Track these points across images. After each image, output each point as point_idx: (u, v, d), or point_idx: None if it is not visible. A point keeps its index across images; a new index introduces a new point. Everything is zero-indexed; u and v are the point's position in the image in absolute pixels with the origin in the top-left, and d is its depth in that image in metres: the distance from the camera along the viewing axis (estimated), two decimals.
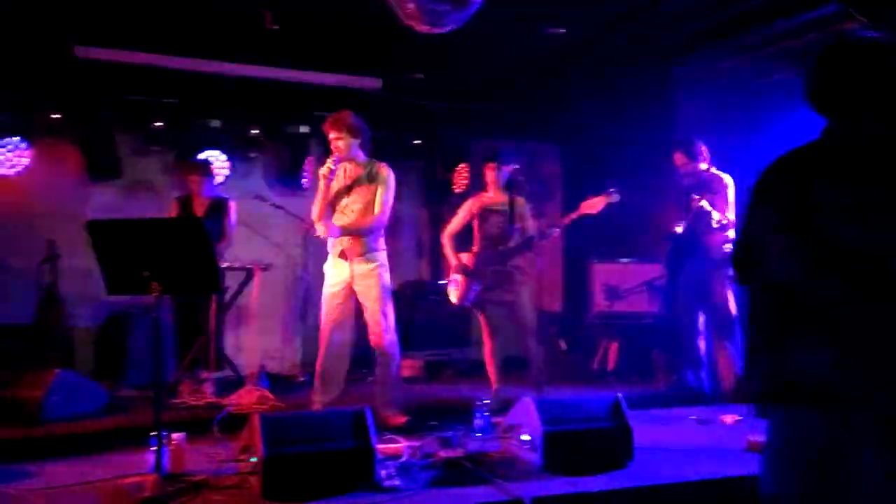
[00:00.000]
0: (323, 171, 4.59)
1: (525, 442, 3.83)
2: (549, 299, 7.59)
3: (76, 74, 5.86)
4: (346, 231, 4.60)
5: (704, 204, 5.25)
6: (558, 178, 7.96)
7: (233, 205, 5.94)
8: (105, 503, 3.19)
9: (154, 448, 3.29)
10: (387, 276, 4.72)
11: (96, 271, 3.47)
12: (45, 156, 6.10)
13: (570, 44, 5.91)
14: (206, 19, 5.30)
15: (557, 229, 5.28)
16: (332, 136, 4.59)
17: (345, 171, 4.69)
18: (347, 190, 4.67)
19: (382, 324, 4.66)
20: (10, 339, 5.94)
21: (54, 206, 6.20)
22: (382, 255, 4.71)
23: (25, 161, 5.94)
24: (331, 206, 4.68)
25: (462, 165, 7.25)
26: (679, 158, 5.54)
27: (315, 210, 4.65)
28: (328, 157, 4.67)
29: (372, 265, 4.62)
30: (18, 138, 5.90)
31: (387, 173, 4.68)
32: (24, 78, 5.81)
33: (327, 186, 4.60)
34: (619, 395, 3.91)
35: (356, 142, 4.62)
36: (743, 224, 1.91)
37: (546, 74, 6.56)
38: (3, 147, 5.83)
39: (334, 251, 4.68)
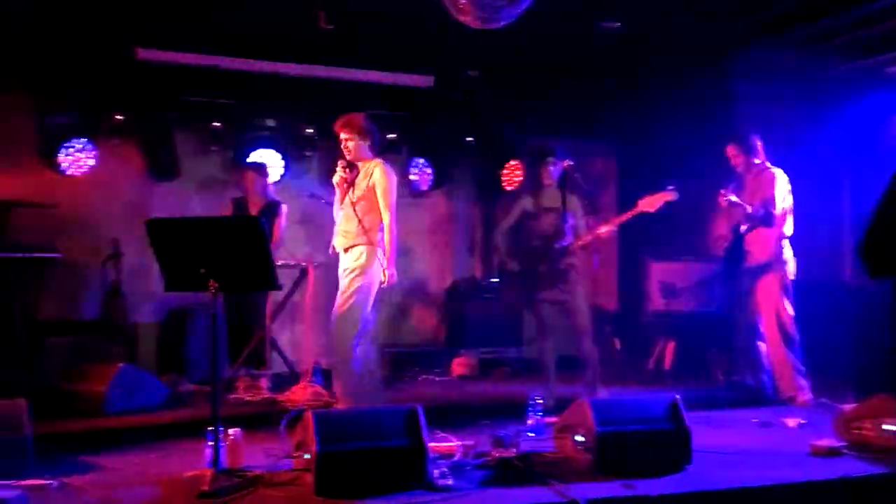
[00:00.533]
0: (336, 180, 4.55)
1: (579, 442, 3.77)
2: (603, 298, 7.49)
3: (138, 76, 6.01)
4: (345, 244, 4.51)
5: (732, 197, 5.16)
6: (613, 175, 7.85)
7: (285, 208, 6.04)
8: (163, 496, 3.26)
9: (211, 443, 3.35)
10: (369, 276, 4.47)
11: (157, 269, 3.55)
12: (109, 156, 6.27)
13: (625, 38, 5.80)
14: (262, 20, 5.36)
15: (612, 228, 5.17)
16: (342, 136, 4.56)
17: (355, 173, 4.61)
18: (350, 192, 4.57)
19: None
20: (78, 334, 6.16)
21: (118, 205, 6.38)
22: (368, 253, 4.47)
23: (91, 162, 6.11)
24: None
25: (514, 163, 7.19)
26: (731, 151, 5.43)
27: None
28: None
29: (357, 262, 4.46)
30: (85, 139, 6.07)
31: (380, 171, 4.53)
32: (89, 80, 5.99)
33: (343, 194, 4.55)
34: (677, 395, 3.82)
35: (365, 143, 4.57)
36: (883, 214, 1.78)
37: (601, 70, 6.45)
38: (70, 148, 6.01)
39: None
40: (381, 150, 4.74)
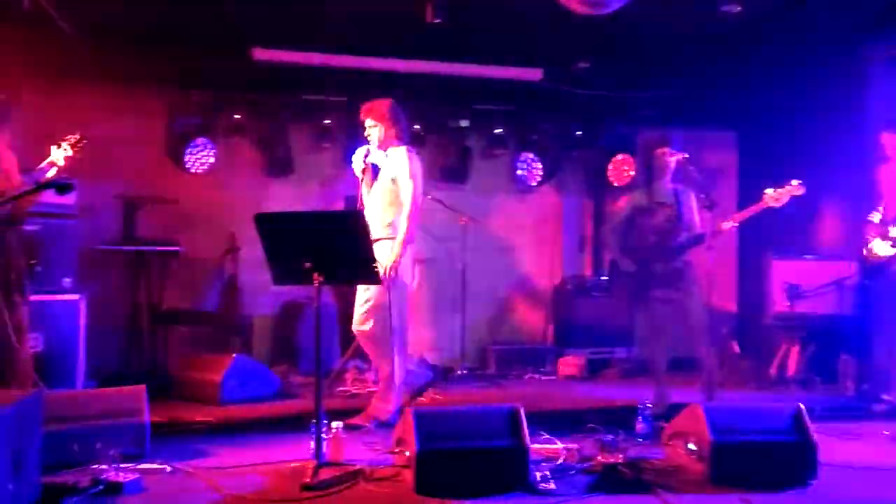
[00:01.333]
0: (357, 168, 4.40)
1: (692, 451, 3.57)
2: (721, 297, 7.10)
3: (255, 76, 6.21)
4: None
5: None
6: (732, 167, 7.46)
7: None
8: (268, 485, 3.32)
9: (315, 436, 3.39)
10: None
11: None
12: (228, 154, 6.52)
13: (746, 22, 5.45)
14: (370, 16, 5.40)
15: (734, 224, 4.85)
16: (367, 123, 4.43)
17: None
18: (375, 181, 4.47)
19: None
20: (197, 325, 6.45)
21: (235, 200, 6.62)
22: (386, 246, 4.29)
23: (211, 159, 6.36)
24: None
25: (621, 157, 6.93)
26: (888, 139, 4.97)
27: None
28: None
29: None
30: (205, 138, 6.34)
31: (404, 159, 4.36)
32: (211, 82, 6.25)
33: (368, 184, 4.43)
34: (801, 404, 3.54)
35: (392, 131, 4.43)
36: None
37: (720, 57, 6.11)
38: (193, 147, 6.28)
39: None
40: (411, 138, 4.56)
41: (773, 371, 6.05)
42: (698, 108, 6.84)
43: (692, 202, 4.99)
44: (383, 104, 4.48)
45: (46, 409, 3.26)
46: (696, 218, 4.96)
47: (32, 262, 3.97)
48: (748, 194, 6.79)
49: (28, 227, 4.11)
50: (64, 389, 4.65)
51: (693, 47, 5.95)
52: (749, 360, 6.30)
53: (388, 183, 4.40)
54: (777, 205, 4.63)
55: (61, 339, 4.89)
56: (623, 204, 5.15)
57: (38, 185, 3.44)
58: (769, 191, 4.64)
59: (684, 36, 5.76)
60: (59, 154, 3.71)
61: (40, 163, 3.91)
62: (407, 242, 4.30)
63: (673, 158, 4.91)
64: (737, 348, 6.42)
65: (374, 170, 4.50)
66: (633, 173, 6.91)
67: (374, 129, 4.46)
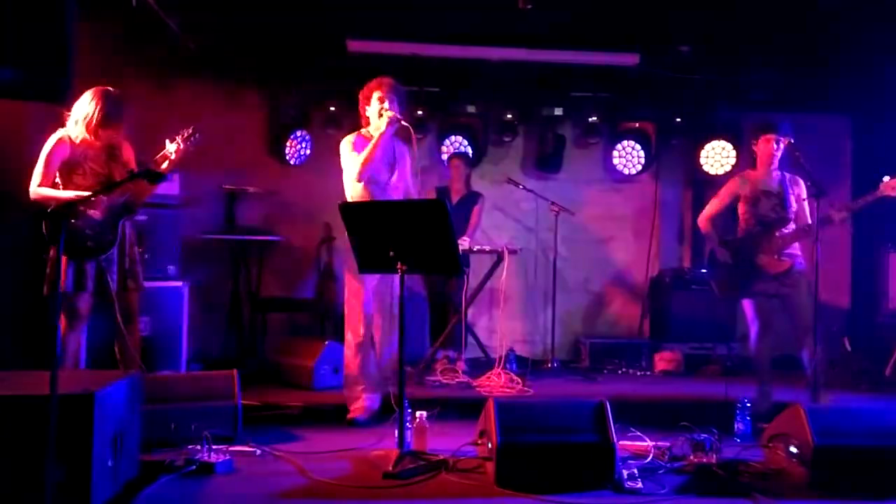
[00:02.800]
0: (391, 116, 4.15)
1: (793, 454, 3.37)
2: (831, 293, 6.67)
3: (349, 68, 6.28)
4: None
5: None
6: (846, 154, 6.98)
7: (483, 201, 6.07)
8: (352, 472, 3.37)
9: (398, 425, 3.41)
10: None
11: None
12: (323, 145, 6.65)
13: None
14: (461, 5, 5.36)
15: (847, 214, 4.50)
16: (387, 100, 4.23)
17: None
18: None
19: None
20: (294, 312, 6.63)
21: (330, 191, 6.73)
22: None
23: (307, 151, 6.52)
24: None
25: (715, 143, 6.61)
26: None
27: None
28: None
29: None
30: (303, 131, 6.49)
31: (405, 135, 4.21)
32: (308, 75, 6.38)
33: (386, 138, 4.21)
34: None
35: (399, 110, 4.28)
36: None
37: (833, 36, 5.71)
38: (291, 139, 6.45)
39: None
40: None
41: (888, 372, 5.65)
42: (810, 91, 6.44)
43: (800, 190, 4.70)
44: (396, 82, 4.35)
45: (146, 390, 3.43)
46: (806, 207, 4.67)
47: (140, 249, 4.17)
48: (862, 183, 6.36)
49: (138, 217, 4.31)
50: (169, 371, 4.89)
51: (804, 26, 5.59)
52: (862, 360, 5.90)
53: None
54: (895, 194, 4.29)
55: (167, 323, 5.12)
56: (724, 192, 4.89)
57: (131, 174, 3.61)
58: (887, 179, 4.30)
59: (792, 14, 5.41)
60: (172, 147, 3.87)
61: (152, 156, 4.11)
62: None
63: (780, 144, 4.63)
64: (848, 347, 6.03)
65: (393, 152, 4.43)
66: (731, 160, 6.60)
67: (393, 105, 4.28)
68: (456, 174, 6.18)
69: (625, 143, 6.79)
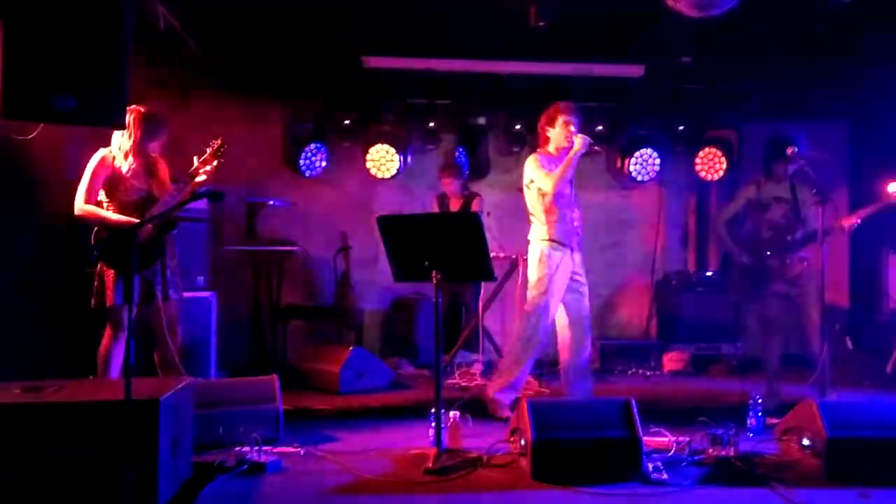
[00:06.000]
0: (584, 139, 4.57)
1: (806, 447, 3.59)
2: (832, 293, 6.90)
3: (363, 83, 6.49)
4: None
5: None
6: (843, 161, 7.21)
7: (479, 198, 6.38)
8: (395, 468, 3.56)
9: (433, 424, 3.61)
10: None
11: (380, 260, 3.85)
12: (339, 158, 6.86)
13: (857, 12, 5.29)
14: (473, 21, 5.54)
15: (858, 221, 4.75)
16: (573, 124, 4.68)
17: None
18: None
19: None
20: (316, 319, 6.82)
21: (346, 202, 6.96)
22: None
23: (323, 163, 6.71)
24: None
25: (710, 149, 6.85)
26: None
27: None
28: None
29: None
30: (319, 143, 6.68)
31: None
32: (324, 90, 6.58)
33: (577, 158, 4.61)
34: None
35: (578, 130, 4.71)
36: None
37: (830, 46, 5.94)
38: (307, 152, 6.64)
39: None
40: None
41: (889, 369, 5.87)
42: (809, 99, 6.67)
43: (807, 197, 4.94)
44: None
45: (195, 396, 3.62)
46: (811, 214, 4.90)
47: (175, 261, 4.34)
48: (859, 189, 6.61)
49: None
50: (199, 379, 5.06)
51: (803, 36, 5.82)
52: (864, 358, 6.13)
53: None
54: None
55: (197, 333, 5.28)
56: (739, 197, 5.13)
57: (193, 195, 3.81)
58: (894, 184, 4.55)
59: (791, 27, 5.64)
60: (206, 163, 4.04)
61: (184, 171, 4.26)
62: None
63: (796, 157, 4.85)
64: (850, 345, 6.25)
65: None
66: (724, 166, 6.82)
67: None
68: (450, 190, 6.45)
69: (630, 150, 6.97)
